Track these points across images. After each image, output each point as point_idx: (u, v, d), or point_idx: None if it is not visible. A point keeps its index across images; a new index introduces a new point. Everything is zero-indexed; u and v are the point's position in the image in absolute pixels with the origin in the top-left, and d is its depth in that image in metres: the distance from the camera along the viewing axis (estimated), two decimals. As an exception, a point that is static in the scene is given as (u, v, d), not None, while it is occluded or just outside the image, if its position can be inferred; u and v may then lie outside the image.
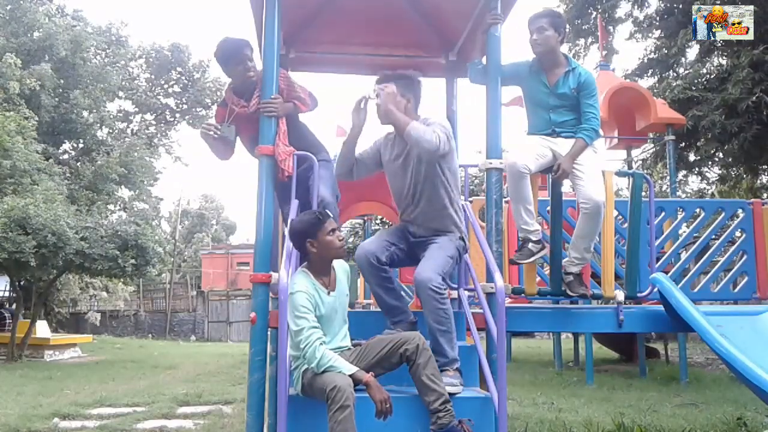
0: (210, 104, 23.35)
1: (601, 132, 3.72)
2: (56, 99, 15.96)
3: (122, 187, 18.58)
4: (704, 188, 14.34)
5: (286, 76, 3.59)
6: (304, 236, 2.90)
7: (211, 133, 3.58)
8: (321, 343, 2.69)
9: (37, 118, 13.99)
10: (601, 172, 3.54)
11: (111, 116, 19.68)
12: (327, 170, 3.64)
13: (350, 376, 2.61)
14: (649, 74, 12.12)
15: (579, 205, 3.47)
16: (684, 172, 13.04)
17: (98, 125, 17.84)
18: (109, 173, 16.53)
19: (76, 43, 16.67)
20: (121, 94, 21.56)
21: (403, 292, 3.45)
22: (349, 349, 2.95)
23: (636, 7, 12.64)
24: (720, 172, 13.09)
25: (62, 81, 16.50)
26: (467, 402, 2.84)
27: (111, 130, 19.72)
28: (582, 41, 13.24)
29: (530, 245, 3.53)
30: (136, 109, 23.55)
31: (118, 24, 20.68)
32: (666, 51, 11.20)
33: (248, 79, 3.54)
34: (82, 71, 16.83)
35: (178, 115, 23.84)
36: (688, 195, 14.13)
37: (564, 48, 4.07)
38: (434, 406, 2.65)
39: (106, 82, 17.64)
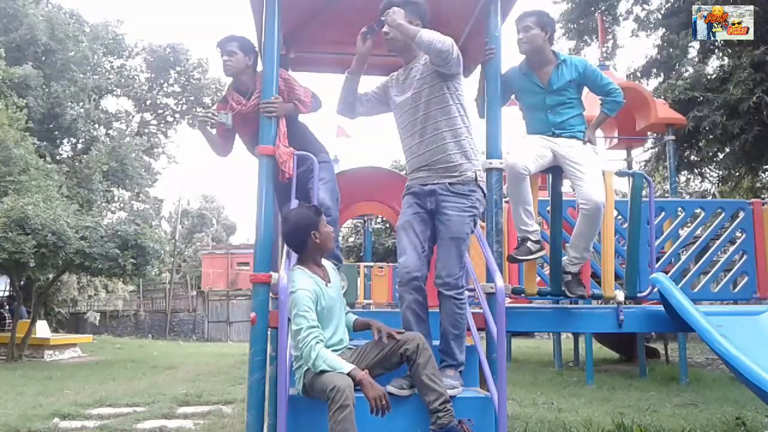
0: (210, 104, 23.36)
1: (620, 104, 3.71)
2: (43, 96, 15.76)
3: (119, 188, 18.44)
4: (706, 188, 14.33)
5: (286, 77, 3.59)
6: (307, 228, 2.91)
7: (209, 116, 3.57)
8: (317, 342, 2.68)
9: (25, 106, 13.83)
10: (601, 172, 3.54)
11: (97, 107, 19.17)
12: (327, 172, 3.64)
13: (347, 374, 2.59)
14: (652, 75, 12.12)
15: (578, 206, 3.47)
16: (685, 173, 13.01)
17: (87, 120, 17.54)
18: (97, 167, 16.24)
19: (50, 24, 16.36)
20: (118, 91, 21.49)
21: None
22: (350, 348, 2.95)
23: (638, 4, 12.64)
24: (721, 172, 13.07)
25: (48, 72, 16.26)
26: (467, 402, 2.84)
27: (108, 130, 19.59)
28: (586, 39, 13.20)
29: (529, 243, 3.53)
30: (136, 108, 23.54)
31: (114, 22, 20.70)
32: (668, 53, 11.19)
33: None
34: (61, 56, 16.53)
35: (177, 115, 23.84)
36: (690, 196, 14.12)
37: (567, 47, 4.06)
38: (434, 406, 2.65)
39: (95, 72, 17.39)
